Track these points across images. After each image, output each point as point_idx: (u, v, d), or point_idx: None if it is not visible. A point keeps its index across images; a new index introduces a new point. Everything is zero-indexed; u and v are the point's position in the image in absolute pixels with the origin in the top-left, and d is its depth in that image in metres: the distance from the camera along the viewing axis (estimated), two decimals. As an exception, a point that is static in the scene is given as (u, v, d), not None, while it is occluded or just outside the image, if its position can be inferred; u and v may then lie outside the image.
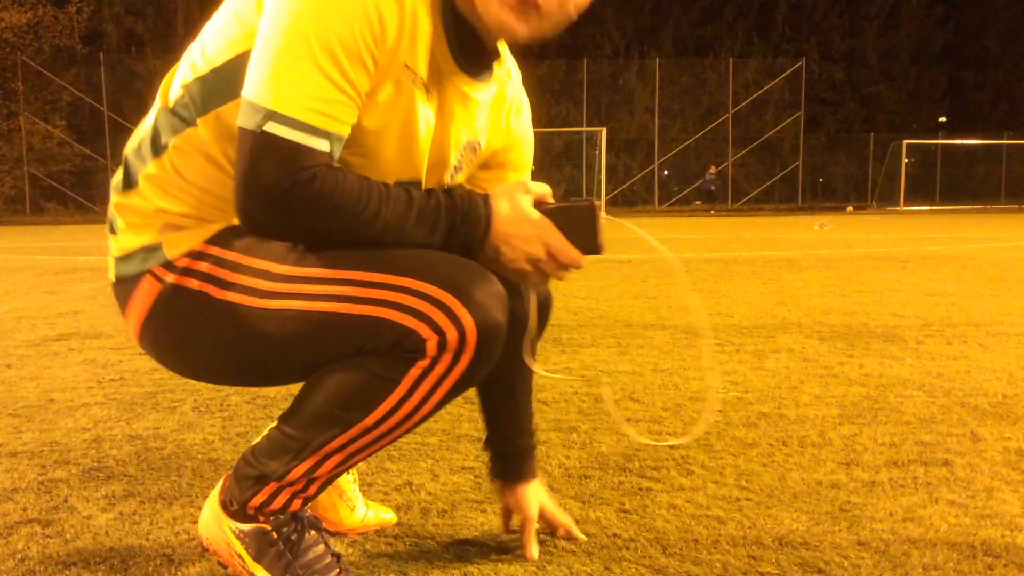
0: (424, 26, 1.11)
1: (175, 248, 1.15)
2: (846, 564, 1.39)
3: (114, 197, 1.20)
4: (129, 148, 1.21)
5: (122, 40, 30.48)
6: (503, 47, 1.27)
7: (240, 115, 1.04)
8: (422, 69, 1.14)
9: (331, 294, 1.07)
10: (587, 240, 1.13)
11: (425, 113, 1.17)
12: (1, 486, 1.79)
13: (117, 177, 1.22)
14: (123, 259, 1.19)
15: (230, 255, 1.13)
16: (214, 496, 1.26)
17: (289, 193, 1.02)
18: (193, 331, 1.15)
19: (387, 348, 1.07)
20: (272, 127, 1.01)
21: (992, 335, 3.55)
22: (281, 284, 1.09)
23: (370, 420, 1.10)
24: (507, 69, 1.31)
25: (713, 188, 31.16)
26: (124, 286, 1.19)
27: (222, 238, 1.15)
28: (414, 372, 1.08)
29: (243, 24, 1.10)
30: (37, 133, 27.14)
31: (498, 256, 1.12)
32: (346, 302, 1.06)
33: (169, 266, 1.14)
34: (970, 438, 2.08)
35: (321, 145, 1.04)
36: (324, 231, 1.07)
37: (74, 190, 27.43)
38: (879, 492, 1.72)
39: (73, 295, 5.38)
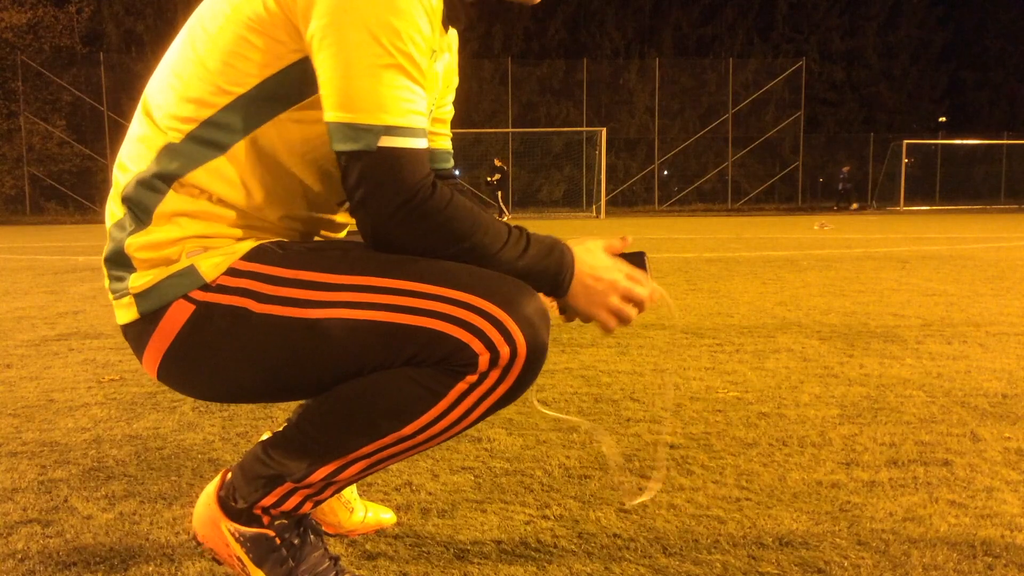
0: (439, 7, 1.13)
1: (212, 269, 1.10)
2: (846, 564, 1.39)
3: (127, 240, 1.11)
4: (125, 186, 1.13)
5: (122, 40, 30.51)
6: None
7: (339, 139, 1.04)
8: (440, 45, 1.18)
9: (381, 303, 1.05)
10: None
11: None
12: (1, 486, 1.79)
13: (117, 217, 1.14)
14: (145, 294, 1.11)
15: (271, 269, 1.09)
16: (210, 492, 1.22)
17: (418, 205, 1.05)
18: (229, 349, 1.09)
19: (437, 360, 1.05)
20: (388, 141, 1.03)
21: (992, 335, 3.55)
22: (328, 293, 1.06)
23: (407, 431, 1.08)
24: None
25: (844, 188, 30.12)
26: (145, 321, 1.12)
27: (260, 253, 1.11)
28: (461, 387, 1.06)
29: (256, 47, 1.07)
30: (37, 133, 27.17)
31: (587, 292, 1.16)
32: (397, 312, 1.04)
33: (204, 288, 1.09)
34: (970, 438, 2.08)
35: (423, 143, 1.07)
36: (439, 242, 1.08)
37: (74, 190, 27.45)
38: (879, 492, 1.72)
39: (73, 295, 5.37)
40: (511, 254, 1.11)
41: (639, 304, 1.19)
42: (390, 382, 1.06)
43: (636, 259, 1.23)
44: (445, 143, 1.49)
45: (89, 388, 2.72)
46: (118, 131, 26.56)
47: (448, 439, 1.12)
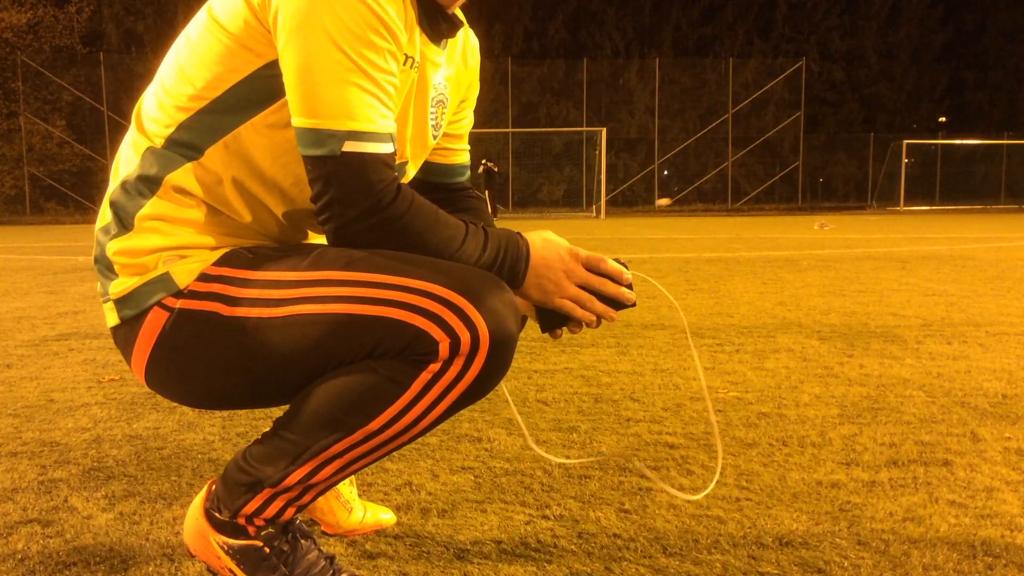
0: (412, 14, 1.15)
1: (185, 276, 1.12)
2: (846, 564, 1.39)
3: (109, 244, 1.15)
4: (113, 191, 1.17)
5: (122, 40, 30.55)
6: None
7: (305, 144, 1.06)
8: (417, 52, 1.18)
9: (341, 295, 1.06)
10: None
11: (414, 92, 1.22)
12: (1, 486, 1.79)
13: (105, 221, 1.17)
14: (124, 300, 1.14)
15: (238, 272, 1.11)
16: (197, 505, 1.22)
17: (380, 210, 1.06)
18: (205, 355, 1.11)
19: (398, 350, 1.05)
20: (351, 146, 1.04)
21: (992, 335, 3.55)
22: (291, 290, 1.08)
23: (374, 425, 1.08)
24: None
25: None
26: (128, 327, 1.14)
27: (229, 258, 1.13)
28: (424, 376, 1.06)
29: (232, 51, 1.09)
30: (37, 133, 27.20)
31: (539, 282, 1.16)
32: (357, 303, 1.05)
33: (178, 294, 1.12)
34: (970, 438, 2.08)
35: (388, 148, 1.08)
36: (399, 244, 1.09)
37: (74, 190, 27.48)
38: (879, 492, 1.72)
39: (73, 295, 5.37)
40: (470, 252, 1.12)
41: (602, 294, 1.17)
42: (354, 376, 1.07)
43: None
44: (461, 157, 1.49)
45: (89, 388, 2.72)
46: (118, 131, 26.59)
47: (421, 434, 1.11)
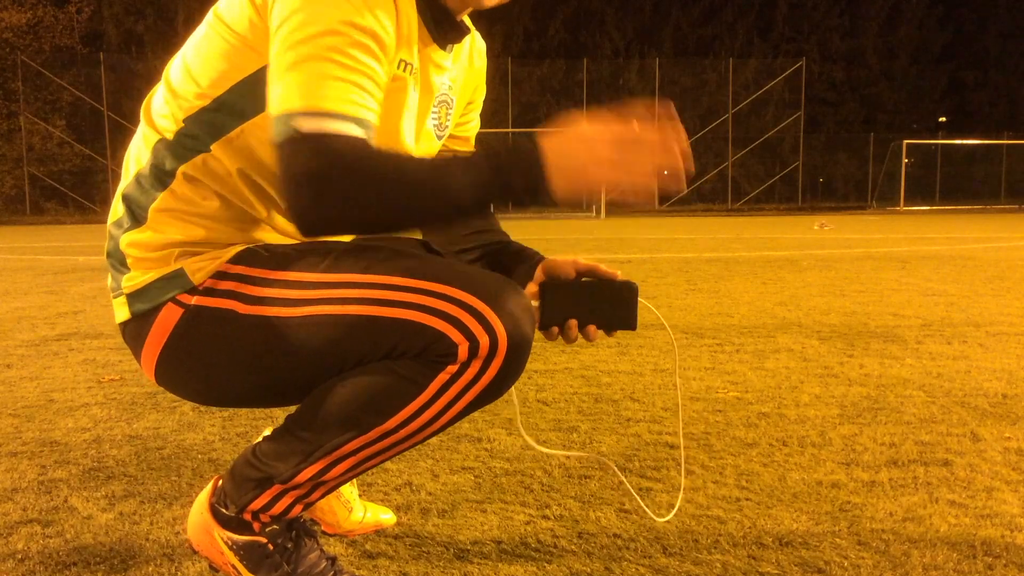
0: (412, 16, 1.15)
1: (199, 272, 1.12)
2: (846, 564, 1.39)
3: (122, 237, 1.16)
4: (126, 185, 1.18)
5: (122, 40, 30.54)
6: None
7: (272, 135, 1.01)
8: (415, 58, 1.17)
9: (362, 297, 1.06)
10: (626, 317, 1.22)
11: (413, 96, 1.21)
12: (1, 486, 1.79)
13: (117, 215, 1.18)
14: (137, 294, 1.14)
15: (256, 271, 1.11)
16: (202, 500, 1.22)
17: (325, 173, 0.97)
18: (219, 352, 1.12)
19: (417, 352, 1.05)
20: (300, 123, 0.97)
21: (992, 335, 3.55)
22: (310, 291, 1.08)
23: (389, 425, 1.08)
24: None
25: None
26: (139, 322, 1.15)
27: (246, 256, 1.14)
28: (441, 377, 1.06)
29: (237, 49, 1.10)
30: (37, 133, 27.19)
31: (570, 165, 1.01)
32: (377, 305, 1.05)
33: (192, 291, 1.12)
34: (970, 438, 2.08)
35: (352, 130, 1.00)
36: (373, 203, 1.00)
37: (74, 190, 27.47)
38: (879, 492, 1.72)
39: (73, 295, 5.37)
40: (460, 176, 1.02)
41: (650, 144, 0.99)
42: (371, 376, 1.07)
43: (623, 290, 1.22)
44: None
45: (89, 388, 2.72)
46: (118, 131, 26.57)
47: (433, 434, 1.11)
